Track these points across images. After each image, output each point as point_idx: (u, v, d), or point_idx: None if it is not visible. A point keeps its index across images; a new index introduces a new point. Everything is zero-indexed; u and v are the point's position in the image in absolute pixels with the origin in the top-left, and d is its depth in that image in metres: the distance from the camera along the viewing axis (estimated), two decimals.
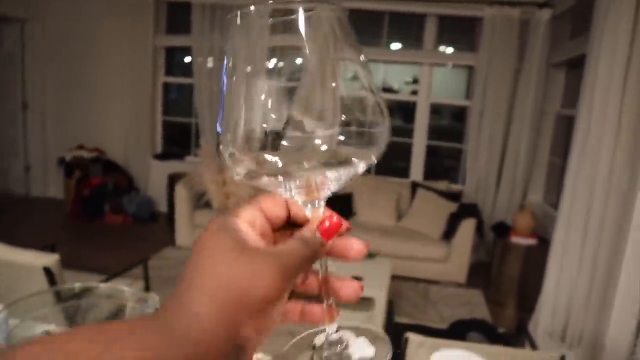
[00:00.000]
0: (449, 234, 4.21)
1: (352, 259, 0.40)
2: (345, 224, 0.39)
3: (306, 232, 0.38)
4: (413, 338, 1.50)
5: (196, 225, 4.49)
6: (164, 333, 0.30)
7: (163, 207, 5.43)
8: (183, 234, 4.52)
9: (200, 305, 0.32)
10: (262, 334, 0.34)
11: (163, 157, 5.86)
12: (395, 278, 3.91)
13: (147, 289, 2.70)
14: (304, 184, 0.38)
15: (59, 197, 5.86)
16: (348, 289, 0.40)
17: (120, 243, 4.69)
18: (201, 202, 4.55)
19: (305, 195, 0.39)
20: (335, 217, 0.39)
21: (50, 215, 5.61)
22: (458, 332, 2.50)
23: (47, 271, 1.80)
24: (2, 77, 5.76)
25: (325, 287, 0.40)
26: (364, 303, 2.99)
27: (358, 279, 0.53)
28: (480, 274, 4.26)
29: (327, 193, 0.40)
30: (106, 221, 5.39)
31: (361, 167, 0.39)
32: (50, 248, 2.43)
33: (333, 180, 0.39)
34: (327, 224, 0.38)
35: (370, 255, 3.38)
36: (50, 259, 1.84)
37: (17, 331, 0.69)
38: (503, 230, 3.99)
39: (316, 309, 0.40)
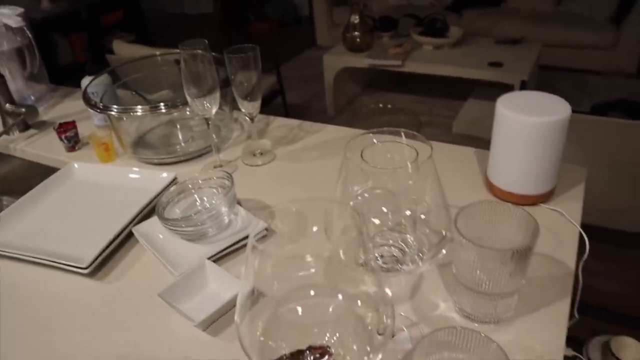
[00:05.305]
0: (619, 15, 3.60)
1: None
2: None
3: None
4: None
5: (335, 24, 4.38)
6: None
7: (306, 11, 5.37)
8: (322, 33, 4.48)
9: None
10: None
11: None
12: (547, 68, 3.55)
13: (280, 82, 2.80)
14: None
15: (209, 11, 6.06)
16: None
17: (265, 48, 4.82)
18: None
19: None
20: None
21: (202, 29, 5.88)
22: (599, 112, 2.23)
23: None
24: None
25: None
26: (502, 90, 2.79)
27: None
28: None
29: None
30: (252, 29, 5.54)
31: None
32: None
33: None
34: None
35: (514, 41, 3.05)
36: None
37: None
38: None
39: None
